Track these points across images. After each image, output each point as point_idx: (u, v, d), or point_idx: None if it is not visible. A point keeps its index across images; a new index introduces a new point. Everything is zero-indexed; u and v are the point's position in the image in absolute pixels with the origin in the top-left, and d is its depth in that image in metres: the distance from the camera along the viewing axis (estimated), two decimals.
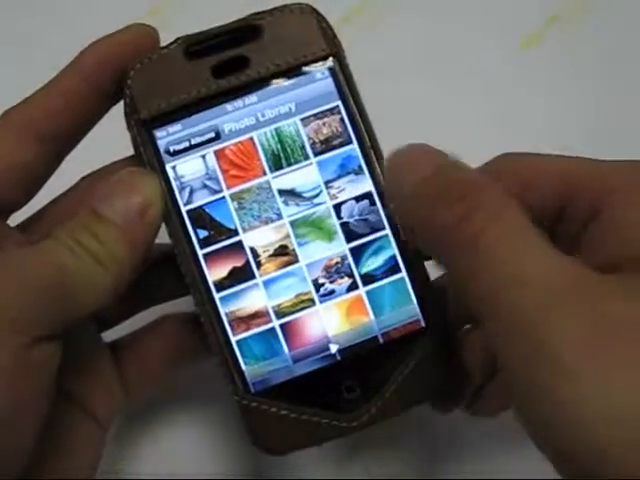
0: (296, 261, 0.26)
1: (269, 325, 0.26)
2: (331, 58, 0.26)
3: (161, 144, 0.26)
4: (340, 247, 0.26)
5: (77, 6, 0.34)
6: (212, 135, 0.26)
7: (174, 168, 0.26)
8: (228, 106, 0.26)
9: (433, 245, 0.21)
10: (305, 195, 0.26)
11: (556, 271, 0.19)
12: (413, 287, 0.27)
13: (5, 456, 0.21)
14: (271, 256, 0.26)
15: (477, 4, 0.40)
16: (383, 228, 0.26)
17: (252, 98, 0.26)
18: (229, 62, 0.26)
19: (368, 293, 0.27)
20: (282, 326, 0.26)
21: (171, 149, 0.26)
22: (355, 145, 0.26)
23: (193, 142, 0.26)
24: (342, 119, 0.26)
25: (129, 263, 0.24)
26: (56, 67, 0.25)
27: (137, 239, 0.24)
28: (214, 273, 0.26)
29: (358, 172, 0.26)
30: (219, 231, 0.26)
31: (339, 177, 0.26)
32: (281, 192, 0.26)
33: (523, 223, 0.20)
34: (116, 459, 0.34)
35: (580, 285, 0.19)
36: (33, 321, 0.21)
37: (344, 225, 0.26)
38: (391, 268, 0.27)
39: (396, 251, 0.26)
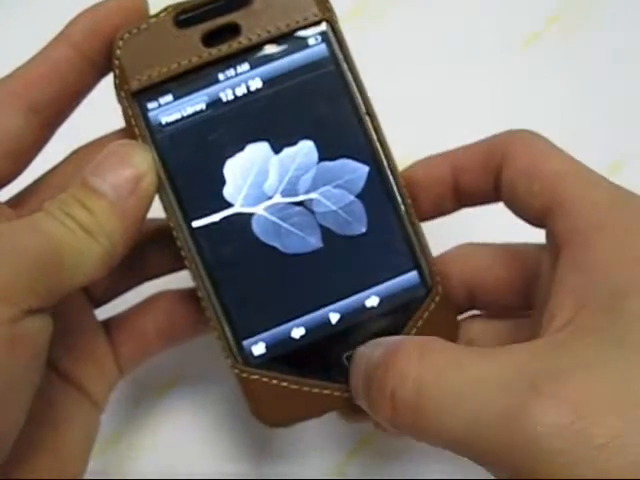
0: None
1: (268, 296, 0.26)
2: (324, 23, 0.26)
3: (152, 115, 0.25)
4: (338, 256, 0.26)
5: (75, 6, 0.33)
6: (204, 105, 0.26)
7: (166, 139, 0.25)
8: (220, 75, 0.26)
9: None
10: (300, 162, 0.26)
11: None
12: (412, 254, 0.26)
13: None
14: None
15: (477, 3, 0.39)
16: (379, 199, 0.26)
17: (244, 66, 0.26)
18: (220, 30, 0.25)
19: (367, 261, 0.26)
20: (281, 296, 0.26)
21: (163, 120, 0.25)
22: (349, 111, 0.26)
23: (185, 112, 0.26)
24: (336, 85, 0.26)
25: (121, 235, 0.23)
26: (43, 39, 0.25)
27: (129, 211, 0.24)
28: (210, 245, 0.26)
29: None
30: (214, 202, 0.26)
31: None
32: (277, 159, 0.26)
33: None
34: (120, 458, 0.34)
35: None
36: (22, 293, 0.21)
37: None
38: (389, 235, 0.26)
39: (393, 217, 0.26)
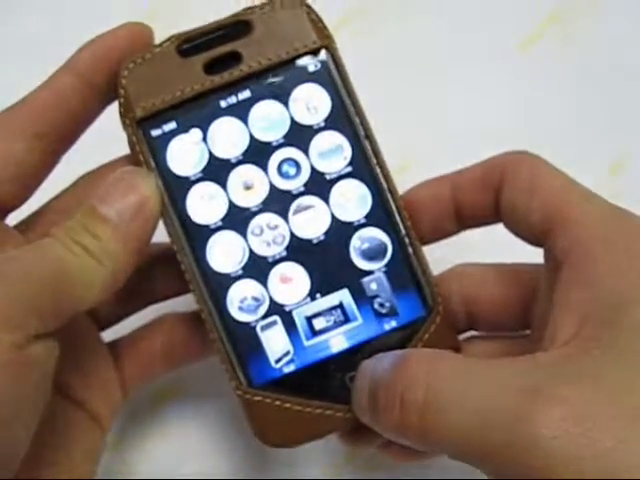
0: (296, 259, 0.26)
1: (271, 319, 0.26)
2: (323, 50, 0.26)
3: (156, 142, 0.26)
4: (340, 242, 0.26)
5: (75, 6, 0.34)
6: (207, 131, 0.26)
7: (170, 165, 0.26)
8: (222, 102, 0.26)
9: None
10: (299, 181, 0.26)
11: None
12: (412, 275, 0.27)
13: (1, 454, 0.21)
14: (271, 246, 0.26)
15: (476, 4, 0.40)
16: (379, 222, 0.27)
17: (245, 93, 0.26)
18: (221, 58, 0.26)
19: (368, 284, 0.27)
20: (284, 319, 0.26)
21: (167, 147, 0.26)
22: (350, 139, 0.27)
23: (188, 139, 0.26)
24: (336, 111, 0.26)
25: (125, 258, 0.24)
26: (52, 65, 0.26)
27: (133, 235, 0.24)
28: (214, 267, 0.26)
29: (351, 164, 0.27)
30: (217, 225, 0.26)
31: (332, 167, 0.27)
32: (273, 183, 0.26)
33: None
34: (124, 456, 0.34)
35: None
36: (28, 319, 0.21)
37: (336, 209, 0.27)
38: (390, 258, 0.27)
39: (389, 244, 0.27)
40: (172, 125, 0.26)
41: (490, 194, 0.26)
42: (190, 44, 0.26)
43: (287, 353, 0.26)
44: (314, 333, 0.26)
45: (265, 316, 0.26)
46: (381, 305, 0.27)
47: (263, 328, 0.26)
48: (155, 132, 0.26)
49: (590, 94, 0.38)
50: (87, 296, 0.23)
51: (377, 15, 0.39)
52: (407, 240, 0.27)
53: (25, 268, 0.22)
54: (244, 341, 0.26)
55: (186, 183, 0.26)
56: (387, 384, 0.22)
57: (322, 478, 0.34)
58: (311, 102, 0.27)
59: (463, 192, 0.27)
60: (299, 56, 0.26)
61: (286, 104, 0.26)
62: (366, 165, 0.27)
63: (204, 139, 0.26)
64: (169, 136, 0.26)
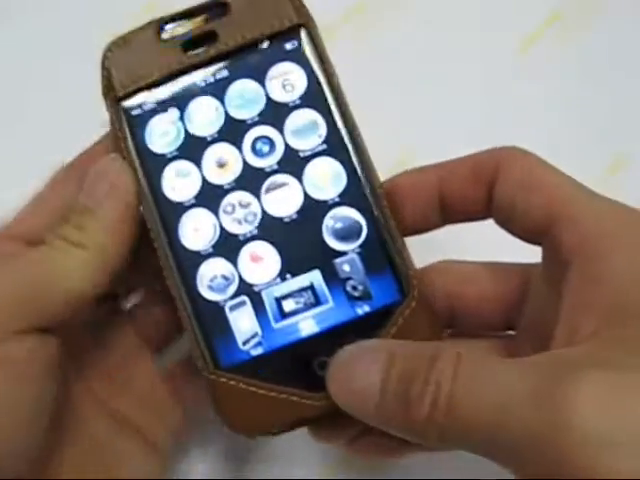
0: (267, 237, 0.26)
1: (240, 299, 0.26)
2: (301, 29, 0.26)
3: (136, 121, 0.26)
4: (313, 221, 0.26)
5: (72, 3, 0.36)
6: (184, 110, 0.26)
7: (148, 143, 0.26)
8: (199, 81, 0.26)
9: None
10: (273, 159, 0.26)
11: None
12: (388, 257, 0.25)
13: None
14: (243, 224, 0.26)
15: (477, 4, 0.39)
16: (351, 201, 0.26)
17: (222, 72, 0.26)
18: (199, 38, 0.26)
19: (340, 266, 0.25)
20: (253, 299, 0.26)
21: (145, 125, 0.26)
22: (325, 116, 0.26)
23: (166, 118, 0.26)
24: (311, 89, 0.26)
25: (113, 241, 0.25)
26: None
27: (115, 218, 0.25)
28: (186, 245, 0.26)
29: (326, 142, 0.26)
30: (190, 202, 0.26)
31: (307, 144, 0.26)
32: (247, 160, 0.26)
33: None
34: None
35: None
36: (5, 317, 0.23)
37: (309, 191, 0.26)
38: (364, 239, 0.25)
39: (363, 225, 0.25)
40: (151, 104, 0.27)
41: (480, 188, 0.25)
42: (169, 25, 0.27)
43: (255, 335, 0.25)
44: (283, 315, 0.25)
45: (234, 296, 0.26)
46: (354, 288, 0.25)
47: (232, 308, 0.26)
48: (135, 111, 0.27)
49: (590, 94, 0.38)
50: (75, 285, 0.24)
51: (377, 14, 0.39)
52: (382, 221, 0.25)
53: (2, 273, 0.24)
54: (212, 321, 0.26)
55: (162, 161, 0.26)
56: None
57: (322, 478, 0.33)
58: (287, 80, 0.26)
59: (450, 184, 0.26)
60: (276, 35, 0.26)
61: (262, 82, 0.26)
62: (341, 143, 0.26)
63: (181, 118, 0.27)
64: (148, 115, 0.27)
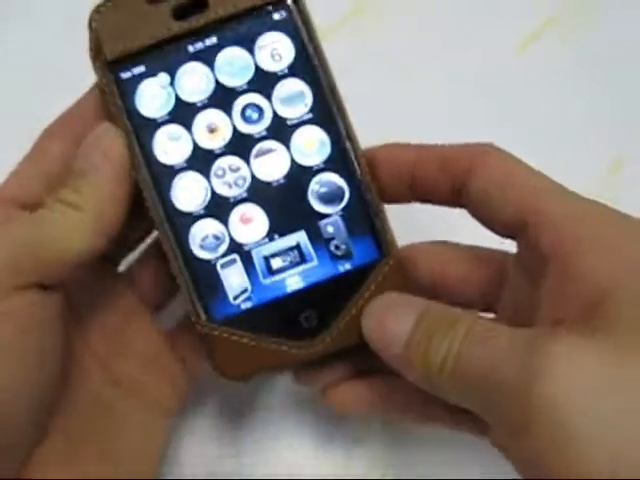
0: (256, 200, 0.27)
1: (231, 257, 0.28)
2: (290, 1, 0.27)
3: (125, 84, 0.27)
4: (299, 186, 0.28)
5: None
6: (174, 75, 0.27)
7: (138, 107, 0.27)
8: (189, 47, 0.27)
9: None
10: (262, 125, 0.27)
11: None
12: (368, 220, 0.28)
13: None
14: (233, 188, 0.27)
15: (475, 5, 0.40)
16: (334, 166, 0.28)
17: (212, 39, 0.27)
18: (189, 5, 0.27)
19: (324, 227, 0.28)
20: (243, 258, 0.28)
21: (136, 89, 0.27)
22: (312, 87, 0.27)
23: (156, 82, 0.27)
24: (299, 59, 0.27)
25: (109, 202, 0.26)
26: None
27: (109, 179, 0.26)
28: (178, 206, 0.27)
29: (312, 111, 0.28)
30: (181, 166, 0.27)
31: (294, 113, 0.28)
32: (237, 127, 0.27)
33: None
34: None
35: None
36: (3, 274, 0.24)
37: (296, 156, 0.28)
38: (347, 202, 0.28)
39: (346, 189, 0.28)
40: (141, 68, 0.27)
41: (447, 179, 0.27)
42: None
43: (245, 290, 0.28)
44: (271, 272, 0.28)
45: (225, 254, 0.28)
46: (337, 247, 0.28)
47: (223, 266, 0.28)
48: (124, 75, 0.27)
49: (589, 94, 0.38)
50: (73, 246, 0.25)
51: (376, 14, 0.40)
52: (364, 186, 0.28)
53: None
54: (205, 278, 0.27)
55: (153, 125, 0.27)
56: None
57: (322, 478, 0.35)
58: (275, 50, 0.28)
59: (422, 167, 0.27)
60: (265, 4, 0.27)
61: (251, 51, 0.27)
62: (327, 113, 0.28)
63: (171, 83, 0.27)
64: (138, 79, 0.27)
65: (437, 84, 0.39)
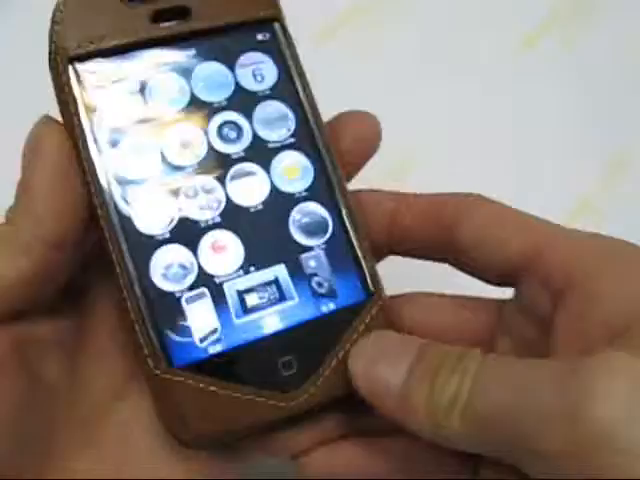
0: (231, 227, 0.24)
1: (199, 290, 0.23)
2: (275, 22, 0.26)
3: (88, 85, 0.23)
4: (279, 214, 0.25)
5: None
6: (145, 83, 0.24)
7: (101, 112, 0.24)
8: (165, 56, 0.25)
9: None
10: (240, 146, 0.25)
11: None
12: (353, 255, 0.25)
13: None
14: (205, 211, 0.24)
15: (476, 5, 0.40)
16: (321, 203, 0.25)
17: (191, 50, 0.25)
18: (169, 11, 0.25)
19: (306, 261, 0.25)
20: (213, 292, 0.23)
21: (100, 92, 0.24)
22: (295, 110, 0.26)
23: (124, 88, 0.24)
24: (282, 82, 0.26)
25: (46, 217, 0.22)
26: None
27: (47, 191, 0.22)
28: (139, 227, 0.23)
29: (294, 136, 0.25)
30: (145, 181, 0.24)
31: (275, 136, 0.25)
32: (212, 144, 0.25)
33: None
34: None
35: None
36: None
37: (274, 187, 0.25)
38: (330, 235, 0.25)
39: (329, 221, 0.25)
40: (108, 70, 0.24)
41: (433, 228, 0.25)
42: None
43: (214, 331, 0.23)
44: (246, 310, 0.24)
45: (192, 287, 0.23)
46: (319, 284, 0.25)
47: (189, 300, 0.23)
48: (89, 75, 0.24)
49: (590, 94, 0.38)
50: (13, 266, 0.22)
51: (377, 14, 0.39)
52: (348, 219, 0.25)
53: None
54: (166, 313, 0.23)
55: (116, 133, 0.24)
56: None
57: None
58: (258, 70, 0.26)
59: (403, 218, 0.26)
60: (250, 23, 0.26)
61: (232, 68, 0.25)
62: (310, 138, 0.25)
63: (141, 90, 0.24)
64: (104, 81, 0.24)
65: (437, 84, 0.38)
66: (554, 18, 0.41)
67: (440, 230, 0.25)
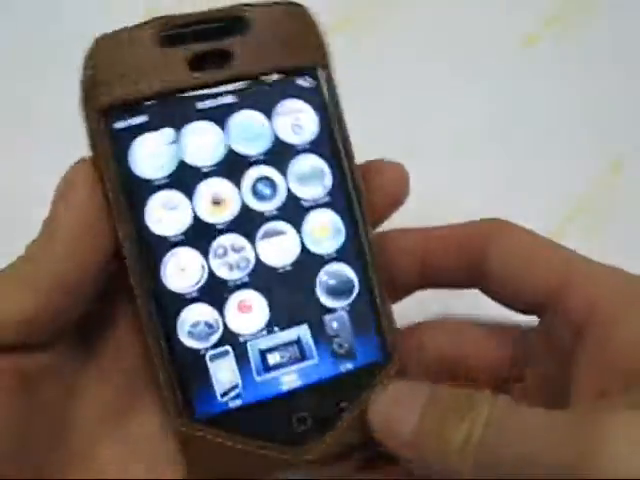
0: (258, 287, 0.24)
1: (223, 348, 0.24)
2: (319, 68, 0.24)
3: (120, 136, 0.23)
4: (307, 275, 0.25)
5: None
6: (179, 133, 0.23)
7: (132, 165, 0.23)
8: (201, 103, 0.23)
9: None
10: (273, 204, 0.24)
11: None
12: (375, 318, 0.25)
13: None
14: (234, 270, 0.24)
15: (477, 4, 0.39)
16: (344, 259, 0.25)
17: (229, 98, 0.24)
18: (209, 54, 0.23)
19: (329, 322, 0.25)
20: (236, 350, 0.24)
21: (131, 143, 0.23)
22: (332, 167, 0.25)
23: (157, 138, 0.23)
24: (322, 135, 0.25)
25: (64, 261, 0.22)
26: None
27: (68, 233, 0.22)
28: (168, 286, 0.23)
29: (330, 194, 0.25)
30: (177, 239, 0.23)
31: (310, 193, 0.25)
32: (246, 202, 0.24)
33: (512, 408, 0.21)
34: None
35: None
36: None
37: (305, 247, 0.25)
38: (355, 297, 0.25)
39: (356, 283, 0.25)
40: (141, 120, 0.23)
41: (464, 260, 0.26)
42: (174, 32, 0.23)
43: (235, 386, 0.24)
44: (266, 368, 0.24)
45: (216, 345, 0.24)
46: (340, 346, 0.25)
47: (212, 358, 0.24)
48: (120, 125, 0.23)
49: (590, 94, 0.38)
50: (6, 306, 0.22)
51: (377, 13, 0.38)
52: (375, 281, 0.25)
53: None
54: (190, 370, 0.24)
55: (148, 188, 0.23)
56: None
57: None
58: (298, 120, 0.24)
59: (434, 254, 0.26)
60: (294, 70, 0.24)
61: (271, 118, 0.24)
62: (345, 197, 0.25)
63: (175, 141, 0.23)
64: (136, 132, 0.23)
65: (439, 83, 0.37)
66: (554, 18, 0.40)
67: (470, 264, 0.25)
